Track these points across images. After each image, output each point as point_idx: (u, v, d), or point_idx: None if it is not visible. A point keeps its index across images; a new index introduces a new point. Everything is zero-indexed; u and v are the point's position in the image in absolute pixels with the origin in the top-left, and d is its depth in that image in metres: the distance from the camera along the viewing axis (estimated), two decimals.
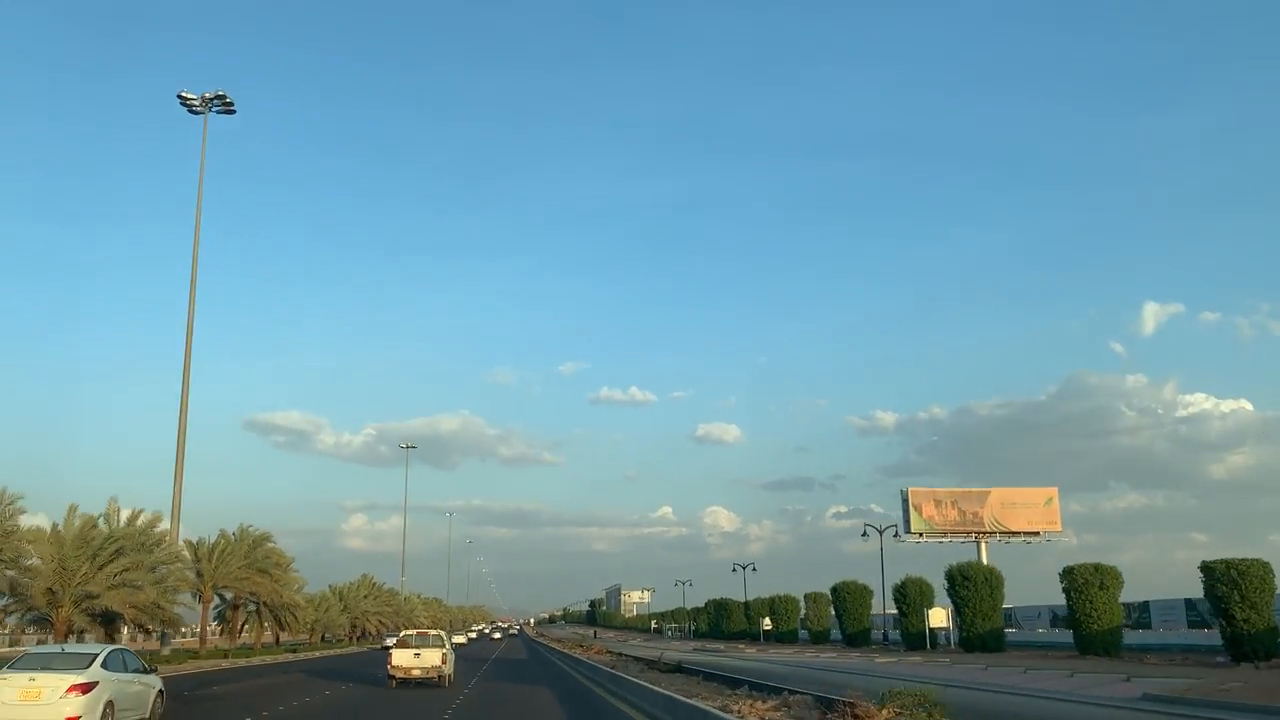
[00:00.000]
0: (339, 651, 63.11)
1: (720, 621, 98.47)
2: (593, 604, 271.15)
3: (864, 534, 63.69)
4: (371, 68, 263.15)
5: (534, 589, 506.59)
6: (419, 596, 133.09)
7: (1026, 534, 74.46)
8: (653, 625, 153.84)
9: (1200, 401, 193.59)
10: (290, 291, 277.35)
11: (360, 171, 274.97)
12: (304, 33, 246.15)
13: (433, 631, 33.34)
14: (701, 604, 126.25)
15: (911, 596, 52.93)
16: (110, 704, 15.88)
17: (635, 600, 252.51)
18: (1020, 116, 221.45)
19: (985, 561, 74.52)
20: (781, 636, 77.35)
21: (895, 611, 65.33)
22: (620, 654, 43.23)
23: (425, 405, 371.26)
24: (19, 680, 15.26)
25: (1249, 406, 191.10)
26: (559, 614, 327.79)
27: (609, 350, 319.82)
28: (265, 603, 51.28)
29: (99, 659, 16.22)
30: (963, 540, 74.73)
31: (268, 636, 60.53)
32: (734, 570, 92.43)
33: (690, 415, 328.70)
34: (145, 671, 18.15)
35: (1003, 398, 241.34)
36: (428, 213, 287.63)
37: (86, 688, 15.30)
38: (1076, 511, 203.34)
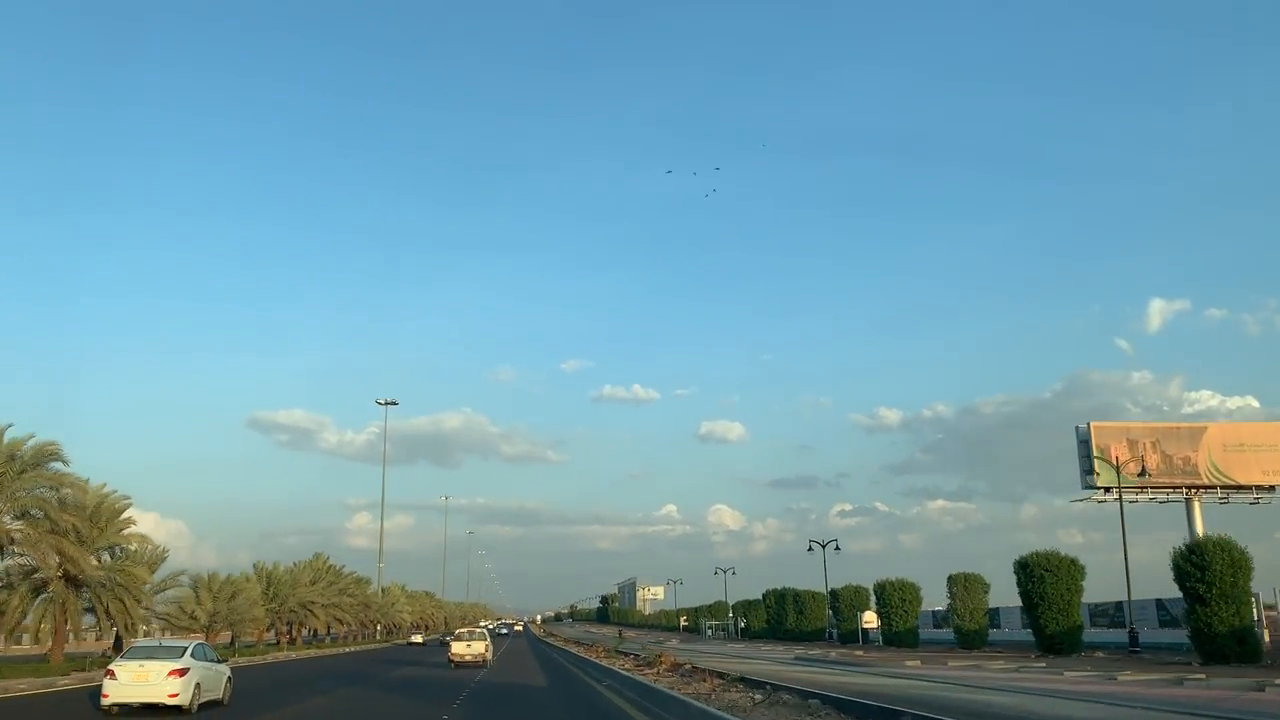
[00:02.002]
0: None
1: (783, 617, 75.48)
2: (605, 599, 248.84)
3: (1092, 473, 40.20)
4: (376, 61, 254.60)
5: (537, 587, 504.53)
6: (403, 589, 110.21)
7: (1258, 489, 51.27)
8: (682, 623, 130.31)
9: (1206, 399, 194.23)
10: (292, 288, 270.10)
11: (363, 166, 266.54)
12: (307, 25, 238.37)
13: (478, 630, 46.56)
14: (741, 598, 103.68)
15: (1218, 571, 29.78)
16: (198, 685, 19.35)
17: (649, 597, 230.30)
18: (1025, 112, 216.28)
19: (1200, 528, 51.39)
20: (895, 638, 54.09)
21: (1119, 600, 42.85)
22: (759, 684, 19.43)
23: (428, 403, 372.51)
24: (131, 666, 18.76)
25: (1255, 404, 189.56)
26: (565, 611, 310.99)
27: (611, 348, 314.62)
28: (69, 579, 28.31)
29: (188, 651, 19.94)
30: (1165, 497, 51.59)
31: (87, 639, 37.42)
32: (809, 549, 69.43)
33: (694, 413, 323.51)
34: (218, 662, 21.70)
35: (1007, 395, 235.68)
36: (430, 209, 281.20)
37: (182, 672, 18.89)
38: (1082, 509, 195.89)
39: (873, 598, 57.37)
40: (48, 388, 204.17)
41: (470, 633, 42.62)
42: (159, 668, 18.47)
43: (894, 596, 55.15)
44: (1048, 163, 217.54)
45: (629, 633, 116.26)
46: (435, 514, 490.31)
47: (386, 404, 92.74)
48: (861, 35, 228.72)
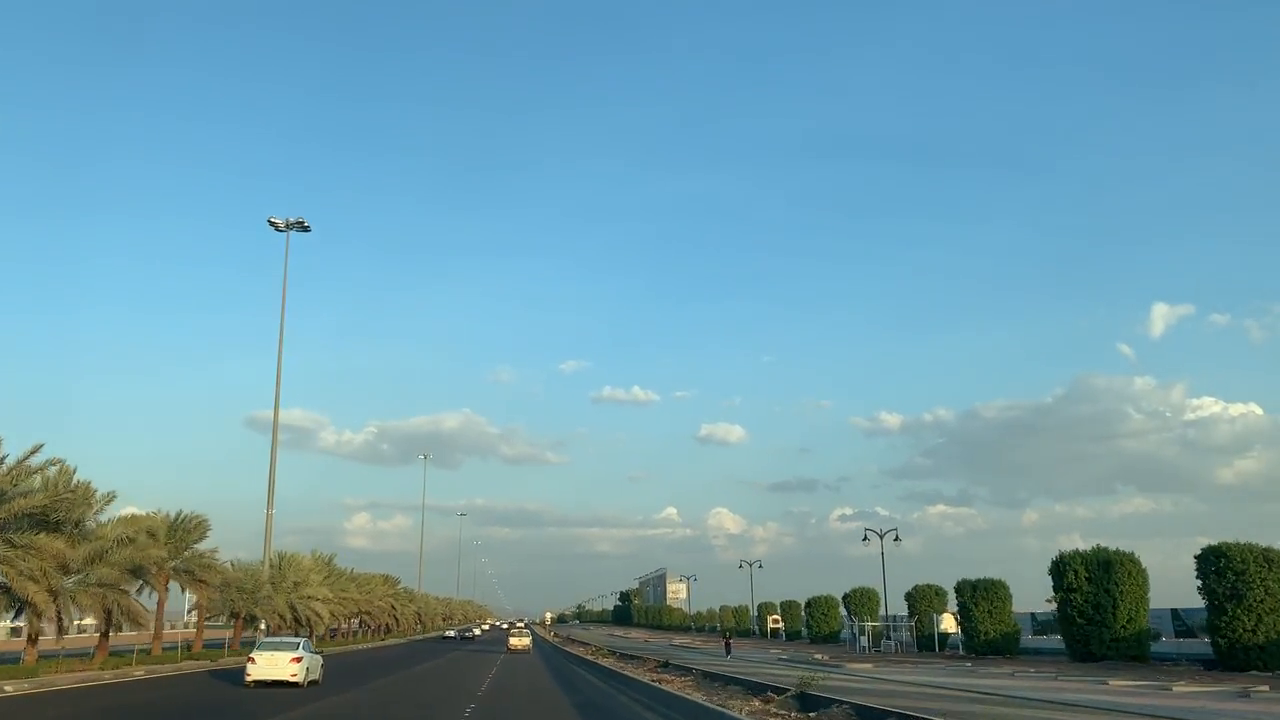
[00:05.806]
0: None
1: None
2: (625, 596, 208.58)
3: None
4: (375, 63, 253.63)
5: (537, 590, 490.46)
6: (328, 561, 68.41)
7: None
8: (771, 624, 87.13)
9: (1209, 405, 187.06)
10: (292, 289, 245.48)
11: (362, 168, 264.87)
12: (309, 27, 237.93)
13: (525, 629, 69.02)
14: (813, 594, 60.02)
15: None
16: (308, 669, 28.56)
17: (674, 593, 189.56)
18: (1028, 117, 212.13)
19: None
20: None
21: None
22: None
23: (427, 403, 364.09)
24: (265, 655, 27.81)
25: (1258, 410, 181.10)
26: (570, 613, 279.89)
27: (611, 349, 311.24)
28: None
29: (301, 644, 29.08)
30: None
31: None
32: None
33: (694, 415, 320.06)
34: (316, 653, 31.23)
35: (1009, 400, 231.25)
36: (429, 210, 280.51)
37: (299, 659, 27.93)
38: (1083, 516, 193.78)
39: None
40: (50, 385, 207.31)
41: (519, 630, 65.78)
42: (284, 656, 27.63)
43: None
44: (1051, 167, 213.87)
45: (680, 639, 74.24)
46: (436, 516, 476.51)
47: (289, 227, 53.55)
48: (865, 39, 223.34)
